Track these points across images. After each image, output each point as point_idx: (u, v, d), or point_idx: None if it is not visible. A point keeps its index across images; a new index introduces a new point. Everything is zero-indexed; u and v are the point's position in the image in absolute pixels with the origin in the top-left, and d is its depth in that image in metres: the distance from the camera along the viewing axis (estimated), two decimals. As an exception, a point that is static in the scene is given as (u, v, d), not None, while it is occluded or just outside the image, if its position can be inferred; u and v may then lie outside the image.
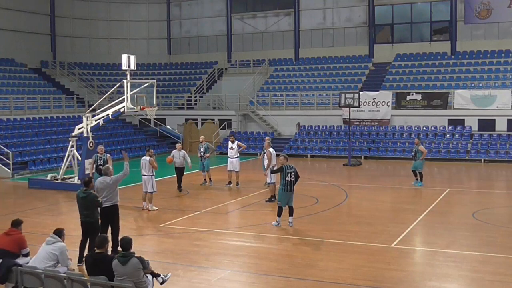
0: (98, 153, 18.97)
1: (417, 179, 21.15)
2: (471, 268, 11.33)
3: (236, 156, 21.08)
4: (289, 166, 14.55)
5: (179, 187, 20.35)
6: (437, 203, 17.76)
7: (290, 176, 14.39)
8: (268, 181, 18.46)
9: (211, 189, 21.03)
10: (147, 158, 17.30)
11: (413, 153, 21.42)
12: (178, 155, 20.01)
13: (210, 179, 21.68)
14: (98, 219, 11.60)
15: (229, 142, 21.51)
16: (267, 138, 20.59)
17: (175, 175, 20.45)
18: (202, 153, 21.37)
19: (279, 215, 14.65)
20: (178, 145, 20.49)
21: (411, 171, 21.42)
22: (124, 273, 8.33)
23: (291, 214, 14.67)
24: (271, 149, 18.39)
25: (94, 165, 18.70)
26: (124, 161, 12.53)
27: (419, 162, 20.94)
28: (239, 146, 21.31)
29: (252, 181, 21.99)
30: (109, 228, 11.93)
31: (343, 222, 15.66)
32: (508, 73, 33.03)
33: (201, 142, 21.79)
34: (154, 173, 17.31)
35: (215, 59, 42.02)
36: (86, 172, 20.31)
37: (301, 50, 40.09)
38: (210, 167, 21.90)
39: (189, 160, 20.10)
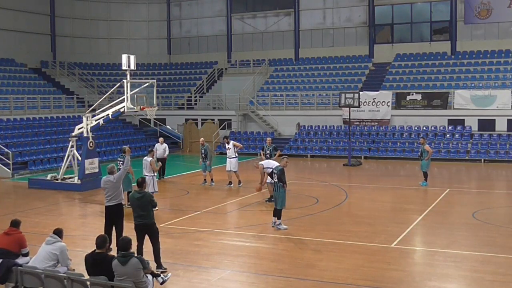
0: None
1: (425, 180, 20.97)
2: (471, 268, 11.32)
3: (234, 156, 21.10)
4: (276, 167, 14.62)
5: (162, 174, 22.61)
6: (437, 203, 17.75)
7: (276, 177, 14.40)
8: (268, 181, 18.46)
9: (211, 189, 21.05)
10: (149, 159, 17.38)
11: (419, 153, 21.29)
12: (160, 147, 22.77)
13: (212, 179, 21.72)
14: (155, 221, 11.13)
15: (225, 144, 21.62)
16: (268, 139, 20.80)
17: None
18: (203, 155, 21.45)
19: (273, 215, 14.66)
20: (161, 139, 23.69)
21: (411, 171, 21.35)
22: (124, 273, 8.33)
23: (274, 215, 14.46)
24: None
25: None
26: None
27: (424, 162, 20.80)
28: (235, 146, 21.34)
29: (252, 181, 21.93)
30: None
31: (343, 222, 15.64)
32: (508, 73, 33.02)
33: (201, 144, 21.90)
34: (155, 174, 17.41)
35: (215, 59, 42.01)
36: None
37: (301, 50, 40.07)
38: (211, 167, 21.95)
39: (167, 151, 23.17)
